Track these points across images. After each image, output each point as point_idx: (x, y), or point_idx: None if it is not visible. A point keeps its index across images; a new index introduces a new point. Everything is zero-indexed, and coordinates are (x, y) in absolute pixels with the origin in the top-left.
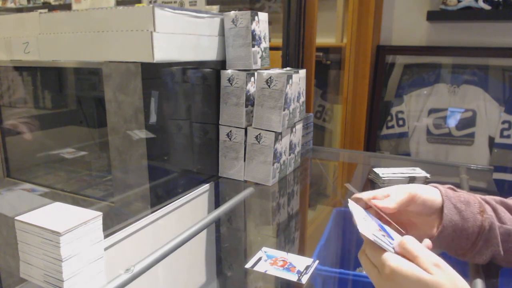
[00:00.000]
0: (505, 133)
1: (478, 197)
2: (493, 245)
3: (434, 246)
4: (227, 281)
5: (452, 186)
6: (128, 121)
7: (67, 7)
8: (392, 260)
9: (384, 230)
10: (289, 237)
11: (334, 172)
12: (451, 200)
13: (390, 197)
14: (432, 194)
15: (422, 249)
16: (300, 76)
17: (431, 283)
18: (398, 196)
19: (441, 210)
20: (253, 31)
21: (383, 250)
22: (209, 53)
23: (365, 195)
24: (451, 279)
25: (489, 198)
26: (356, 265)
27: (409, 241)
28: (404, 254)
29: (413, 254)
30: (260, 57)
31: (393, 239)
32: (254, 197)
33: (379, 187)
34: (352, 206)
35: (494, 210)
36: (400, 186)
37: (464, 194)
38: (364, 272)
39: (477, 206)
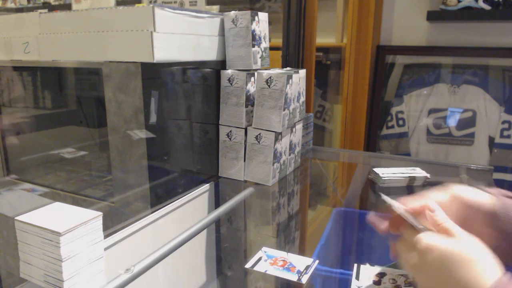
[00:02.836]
0: (505, 133)
1: None
2: None
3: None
4: (227, 281)
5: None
6: (128, 121)
7: (67, 7)
8: (428, 235)
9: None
10: (289, 237)
11: (334, 172)
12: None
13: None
14: (478, 196)
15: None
16: (300, 76)
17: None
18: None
19: (491, 220)
20: (253, 31)
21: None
22: (209, 53)
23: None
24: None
25: None
26: None
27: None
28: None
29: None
30: (260, 57)
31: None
32: (254, 197)
33: (379, 187)
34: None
35: None
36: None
37: None
38: None
39: None
